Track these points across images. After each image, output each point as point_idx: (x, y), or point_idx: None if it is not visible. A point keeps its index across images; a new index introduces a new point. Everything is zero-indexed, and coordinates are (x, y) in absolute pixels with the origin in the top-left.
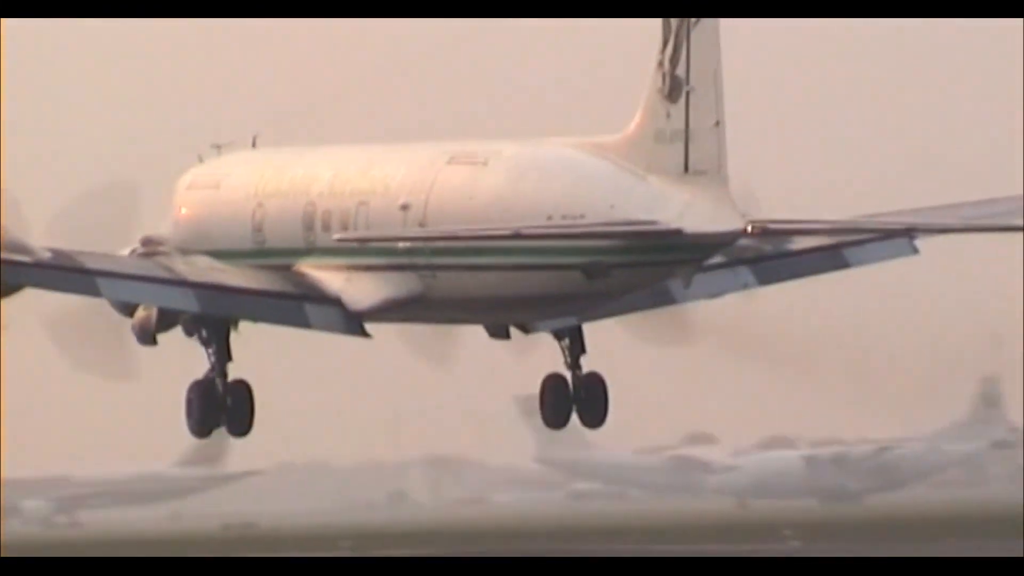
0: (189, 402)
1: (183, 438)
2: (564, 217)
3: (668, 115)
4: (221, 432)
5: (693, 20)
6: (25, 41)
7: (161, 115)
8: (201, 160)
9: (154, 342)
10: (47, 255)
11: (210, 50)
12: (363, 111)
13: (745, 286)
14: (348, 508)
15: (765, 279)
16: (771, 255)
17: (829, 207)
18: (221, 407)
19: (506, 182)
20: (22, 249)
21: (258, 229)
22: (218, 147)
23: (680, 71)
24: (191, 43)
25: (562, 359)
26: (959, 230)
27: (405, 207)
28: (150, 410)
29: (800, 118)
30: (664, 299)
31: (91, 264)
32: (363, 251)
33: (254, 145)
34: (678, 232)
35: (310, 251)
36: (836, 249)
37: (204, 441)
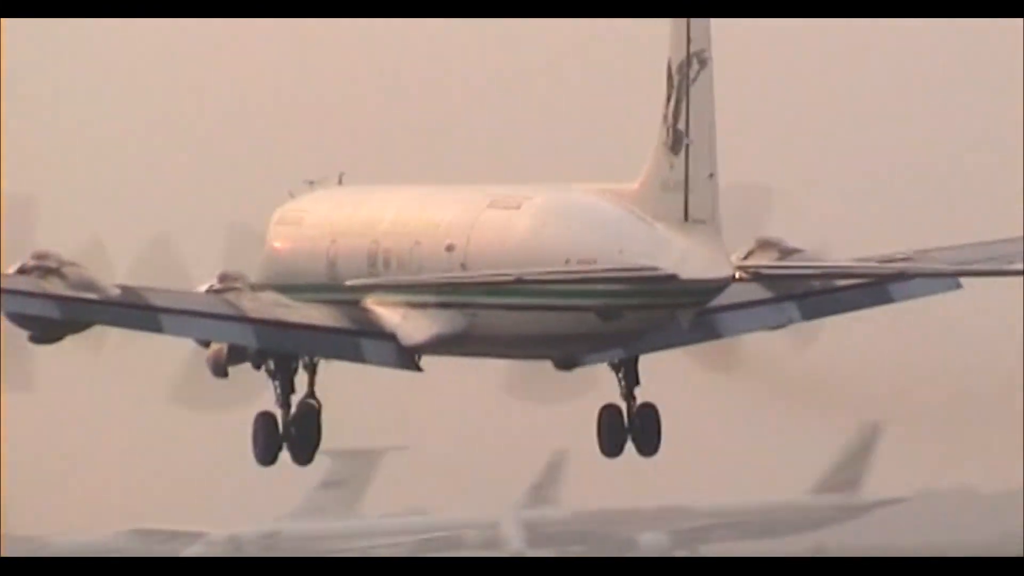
0: (253, 432)
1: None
2: (580, 261)
3: (671, 166)
4: None
5: (696, 71)
6: (119, 78)
7: (249, 151)
8: (292, 196)
9: (225, 375)
10: (116, 292)
11: (296, 90)
12: (432, 151)
13: (790, 320)
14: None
15: (810, 314)
16: (817, 291)
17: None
18: (284, 438)
19: (532, 227)
20: (91, 287)
21: (332, 265)
22: (311, 183)
23: (681, 125)
24: (282, 82)
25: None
26: (951, 274)
27: (450, 248)
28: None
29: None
30: (710, 333)
31: (156, 301)
32: (416, 289)
33: (340, 182)
34: (674, 278)
35: (374, 288)
36: (881, 284)
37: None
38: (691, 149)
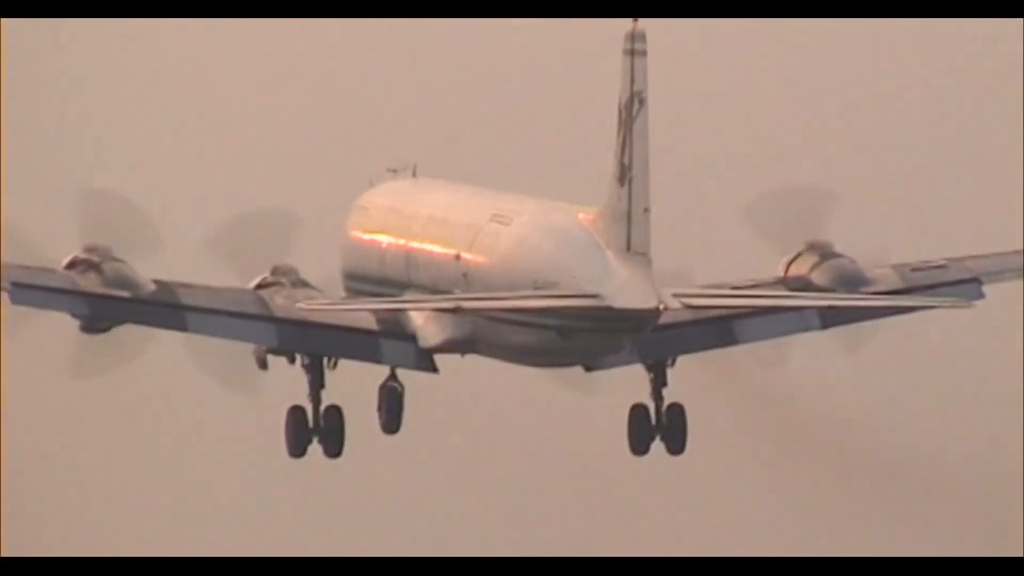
0: (286, 425)
1: None
2: (544, 284)
3: (619, 197)
4: None
5: (636, 109)
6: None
7: (318, 145)
8: (371, 184)
9: (265, 367)
10: (151, 288)
11: (364, 84)
12: (495, 148)
13: (807, 328)
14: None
15: (828, 322)
16: (838, 299)
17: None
18: (314, 432)
19: (514, 246)
20: (126, 284)
21: (382, 259)
22: (393, 171)
23: (626, 158)
24: (305, 82)
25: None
26: (872, 308)
27: (457, 257)
28: None
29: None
30: (729, 340)
31: (186, 300)
32: (436, 295)
33: (414, 174)
34: (609, 308)
35: (408, 286)
36: (903, 295)
37: None
38: (631, 183)
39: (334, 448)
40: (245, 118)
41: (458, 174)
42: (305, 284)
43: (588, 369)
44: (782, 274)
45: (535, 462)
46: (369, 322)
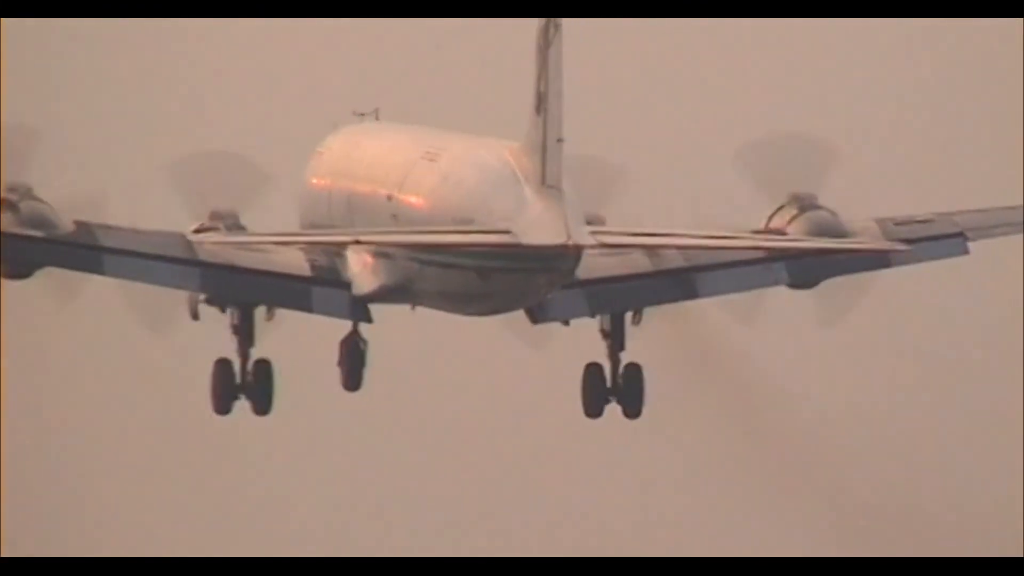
0: (212, 380)
1: None
2: (462, 220)
3: (535, 128)
4: None
5: (552, 32)
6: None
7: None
8: (335, 128)
9: (196, 317)
10: (70, 227)
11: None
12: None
13: (776, 282)
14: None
15: (798, 276)
16: (809, 251)
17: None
18: (240, 388)
19: (436, 183)
20: (43, 223)
21: (329, 204)
22: (361, 115)
23: (542, 86)
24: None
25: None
26: (822, 250)
27: (389, 198)
28: None
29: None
30: (690, 293)
31: (105, 241)
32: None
33: (376, 118)
34: (518, 245)
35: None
36: (883, 251)
37: None
38: (545, 114)
39: (262, 405)
40: (238, 104)
41: (425, 117)
42: (241, 228)
43: (535, 320)
44: (763, 226)
45: (484, 422)
46: (303, 269)
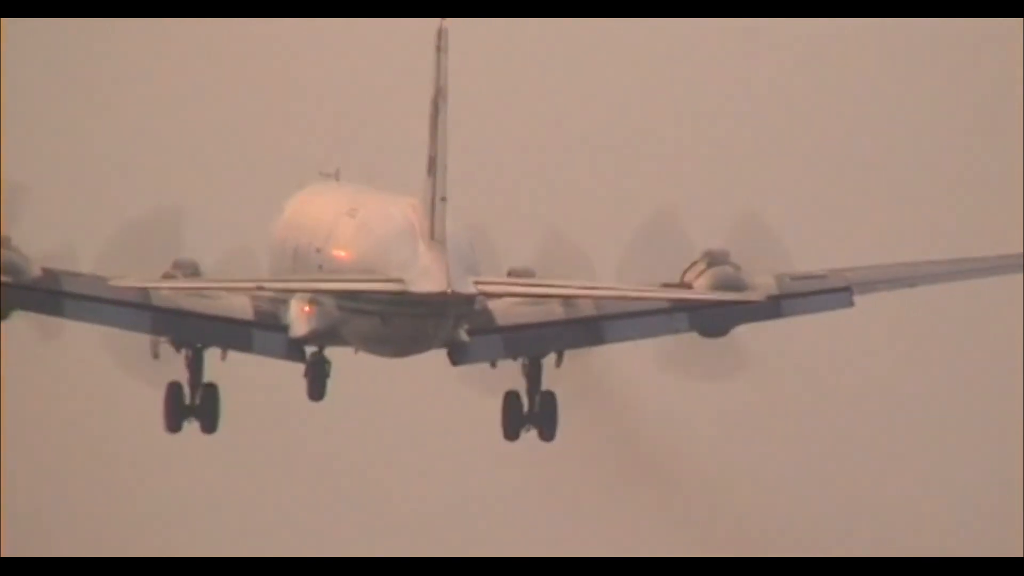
0: (164, 400)
1: None
2: (367, 270)
3: (427, 188)
4: None
5: (440, 104)
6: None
7: (258, 147)
8: (301, 187)
9: (157, 356)
10: (37, 274)
11: (304, 86)
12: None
13: (679, 330)
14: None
15: (699, 325)
16: (707, 303)
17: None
18: (189, 408)
19: (350, 237)
20: (13, 270)
21: (282, 256)
22: (327, 174)
23: (432, 151)
24: (291, 80)
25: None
26: (683, 300)
27: (318, 250)
28: None
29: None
30: (596, 339)
31: (66, 287)
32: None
33: (337, 177)
34: (405, 292)
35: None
36: (776, 300)
37: None
38: (434, 176)
39: (209, 424)
40: (247, 115)
41: (386, 177)
42: (198, 276)
43: (455, 363)
44: (679, 280)
45: (411, 450)
46: (246, 312)
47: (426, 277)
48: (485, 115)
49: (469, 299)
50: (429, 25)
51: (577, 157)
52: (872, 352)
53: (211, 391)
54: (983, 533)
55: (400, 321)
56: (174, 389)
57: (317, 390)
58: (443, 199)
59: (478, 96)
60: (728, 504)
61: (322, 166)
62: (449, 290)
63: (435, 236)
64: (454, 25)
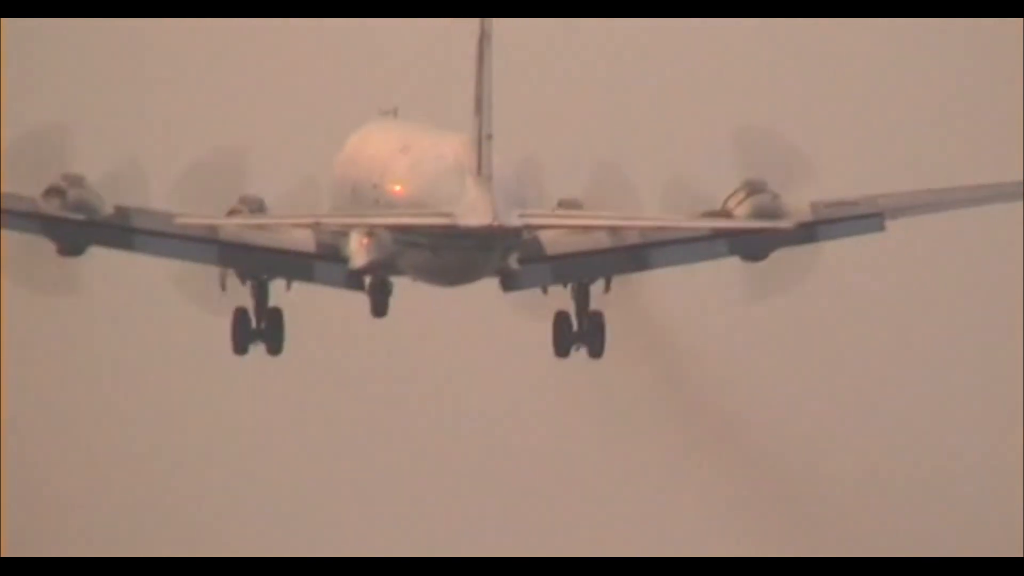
0: (232, 324)
1: None
2: (419, 204)
3: (474, 126)
4: None
5: (485, 38)
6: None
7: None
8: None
9: (224, 288)
10: (109, 212)
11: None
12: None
13: (719, 255)
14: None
15: (739, 250)
16: (741, 230)
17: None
18: (255, 332)
19: (403, 173)
20: (84, 207)
21: (341, 192)
22: (387, 112)
23: (478, 90)
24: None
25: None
26: (716, 230)
27: (374, 186)
28: None
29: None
30: (642, 265)
31: (135, 223)
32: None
33: (395, 115)
34: (453, 226)
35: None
36: (811, 226)
37: None
38: (480, 114)
39: (274, 347)
40: (246, 100)
41: (443, 114)
42: (263, 212)
43: (507, 289)
44: (721, 207)
45: (467, 373)
46: (308, 245)
47: (473, 211)
48: (536, 53)
49: (514, 231)
50: None
51: (624, 94)
52: (874, 354)
53: (275, 315)
54: (983, 533)
55: (450, 253)
56: (240, 314)
57: (380, 308)
58: (489, 137)
59: (532, 34)
60: (754, 434)
61: (382, 104)
62: (495, 223)
63: (482, 172)
64: None
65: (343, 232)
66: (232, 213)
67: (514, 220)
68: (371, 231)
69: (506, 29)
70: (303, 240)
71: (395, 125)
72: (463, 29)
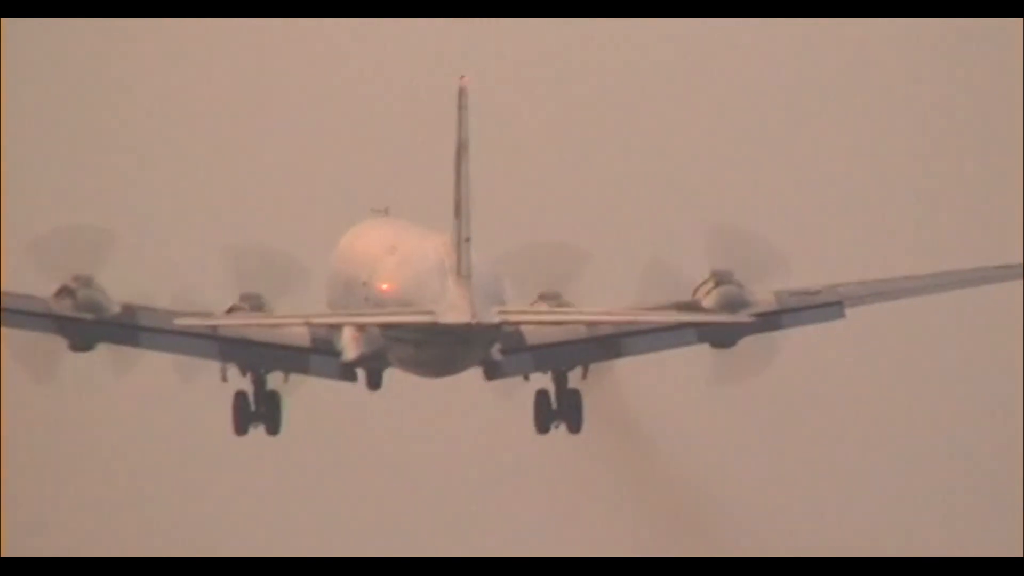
0: (232, 407)
1: None
2: (404, 303)
3: (454, 229)
4: None
5: (463, 155)
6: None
7: (254, 159)
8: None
9: (225, 380)
10: (116, 310)
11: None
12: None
13: (688, 343)
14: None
15: (708, 338)
16: (715, 322)
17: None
18: (254, 415)
19: (390, 272)
20: (94, 307)
21: (335, 288)
22: (379, 211)
23: (458, 196)
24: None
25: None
26: (679, 323)
27: (364, 284)
28: None
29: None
30: (616, 353)
31: (141, 321)
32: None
33: (386, 213)
34: (435, 323)
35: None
36: (775, 315)
37: None
38: (460, 216)
39: (273, 427)
40: (247, 128)
41: (431, 213)
42: (263, 309)
43: (489, 378)
44: (691, 296)
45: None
46: (303, 339)
47: (453, 309)
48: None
49: (493, 327)
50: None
51: (600, 181)
52: (874, 355)
53: (273, 398)
54: (983, 533)
55: (433, 348)
56: (241, 398)
57: (374, 381)
58: (467, 239)
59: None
60: (731, 503)
61: (374, 203)
62: (473, 320)
63: (461, 272)
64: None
65: (336, 327)
66: (232, 310)
67: (492, 317)
68: (361, 326)
69: (485, 116)
70: (299, 335)
71: (384, 224)
72: (451, 128)
